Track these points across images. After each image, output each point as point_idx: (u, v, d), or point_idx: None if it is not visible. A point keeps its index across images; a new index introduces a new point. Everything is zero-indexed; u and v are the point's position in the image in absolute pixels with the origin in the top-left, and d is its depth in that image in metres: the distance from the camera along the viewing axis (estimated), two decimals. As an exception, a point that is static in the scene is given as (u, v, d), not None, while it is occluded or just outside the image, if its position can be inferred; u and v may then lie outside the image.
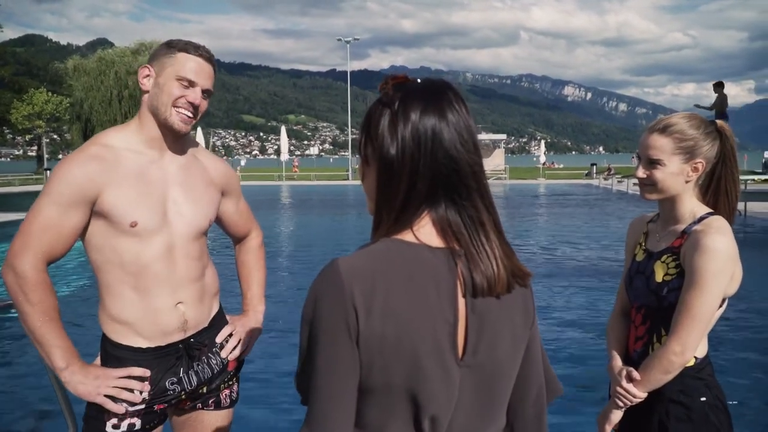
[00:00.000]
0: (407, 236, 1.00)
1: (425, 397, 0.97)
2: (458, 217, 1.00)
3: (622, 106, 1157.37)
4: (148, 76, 1.82)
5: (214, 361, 1.95)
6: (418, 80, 1.04)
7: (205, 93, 1.85)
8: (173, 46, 1.81)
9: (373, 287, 0.94)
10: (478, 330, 1.00)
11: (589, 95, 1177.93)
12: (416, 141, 0.97)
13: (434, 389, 0.97)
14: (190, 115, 1.82)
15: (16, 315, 1.74)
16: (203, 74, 1.82)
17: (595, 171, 37.27)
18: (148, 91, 1.82)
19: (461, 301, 0.99)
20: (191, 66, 1.80)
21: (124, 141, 1.81)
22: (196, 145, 2.02)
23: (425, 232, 1.00)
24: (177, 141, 1.88)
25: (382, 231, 1.02)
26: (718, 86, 16.02)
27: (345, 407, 0.96)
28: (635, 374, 1.78)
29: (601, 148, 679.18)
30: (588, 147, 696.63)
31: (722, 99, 15.75)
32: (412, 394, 0.96)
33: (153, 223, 1.78)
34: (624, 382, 1.80)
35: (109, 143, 1.79)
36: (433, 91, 1.01)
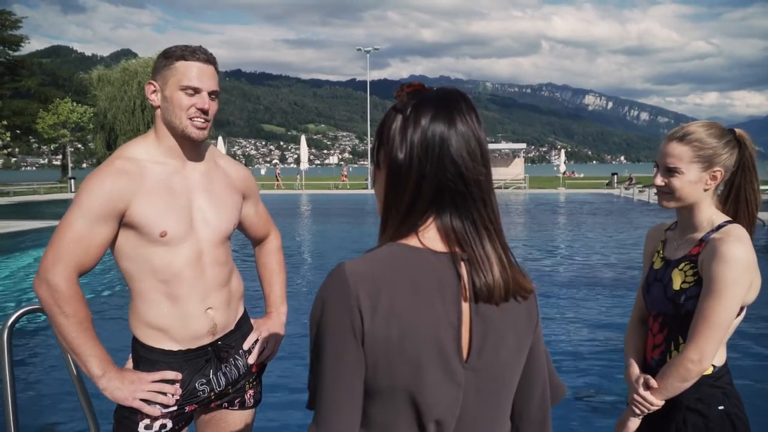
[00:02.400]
0: (412, 241, 1.02)
1: (430, 398, 0.99)
2: (462, 224, 1.02)
3: (644, 115, 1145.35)
4: (155, 91, 1.85)
5: (241, 363, 2.01)
6: (434, 88, 1.06)
7: (212, 95, 1.86)
8: (170, 56, 1.81)
9: (378, 290, 0.97)
10: (482, 333, 1.02)
11: (610, 104, 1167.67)
12: (424, 146, 1.00)
13: (439, 391, 0.99)
14: (203, 120, 1.85)
15: (37, 316, 1.79)
16: (205, 77, 1.82)
17: (616, 180, 36.92)
18: (159, 106, 1.85)
19: (465, 305, 1.01)
20: (192, 72, 1.80)
21: (146, 153, 1.85)
22: (214, 150, 2.06)
23: (430, 237, 1.03)
24: (196, 149, 1.93)
25: (387, 235, 1.05)
26: None
27: (351, 407, 0.98)
28: (652, 382, 1.78)
29: (622, 158, 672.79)
30: (609, 156, 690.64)
31: None
32: (417, 396, 0.98)
33: (181, 231, 1.83)
34: (641, 390, 1.80)
35: (133, 156, 1.83)
36: (445, 100, 1.03)
